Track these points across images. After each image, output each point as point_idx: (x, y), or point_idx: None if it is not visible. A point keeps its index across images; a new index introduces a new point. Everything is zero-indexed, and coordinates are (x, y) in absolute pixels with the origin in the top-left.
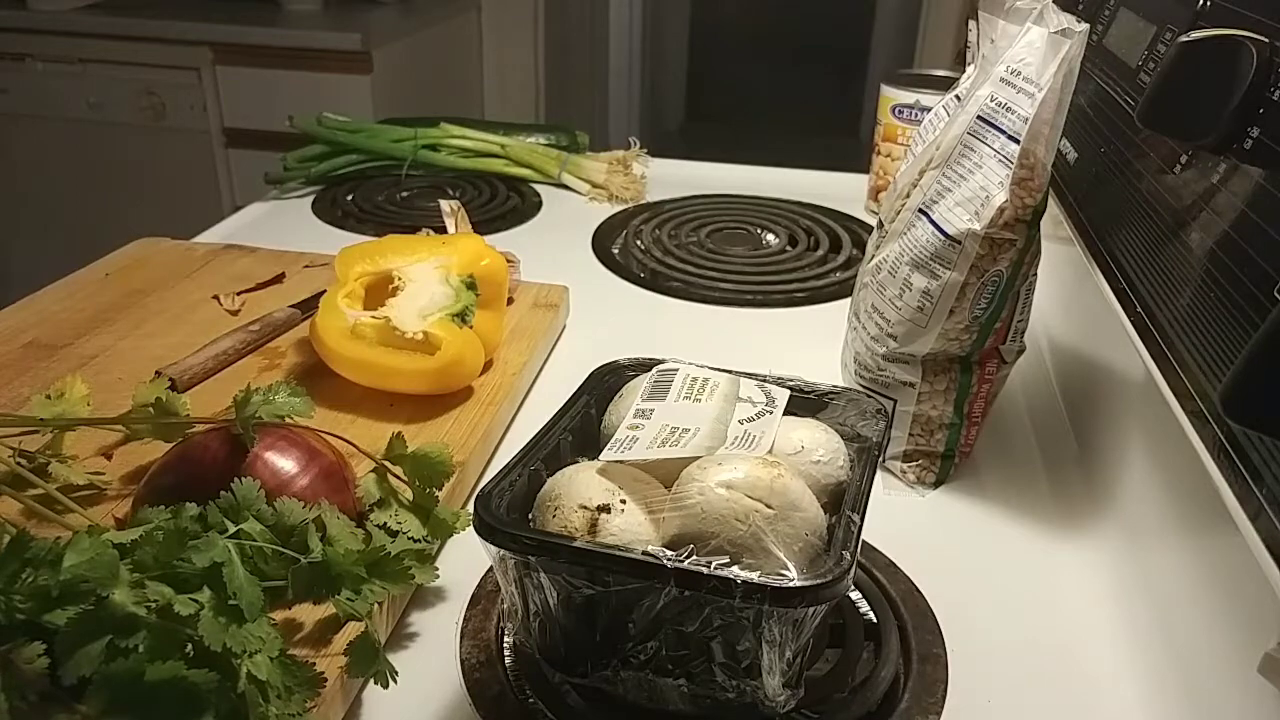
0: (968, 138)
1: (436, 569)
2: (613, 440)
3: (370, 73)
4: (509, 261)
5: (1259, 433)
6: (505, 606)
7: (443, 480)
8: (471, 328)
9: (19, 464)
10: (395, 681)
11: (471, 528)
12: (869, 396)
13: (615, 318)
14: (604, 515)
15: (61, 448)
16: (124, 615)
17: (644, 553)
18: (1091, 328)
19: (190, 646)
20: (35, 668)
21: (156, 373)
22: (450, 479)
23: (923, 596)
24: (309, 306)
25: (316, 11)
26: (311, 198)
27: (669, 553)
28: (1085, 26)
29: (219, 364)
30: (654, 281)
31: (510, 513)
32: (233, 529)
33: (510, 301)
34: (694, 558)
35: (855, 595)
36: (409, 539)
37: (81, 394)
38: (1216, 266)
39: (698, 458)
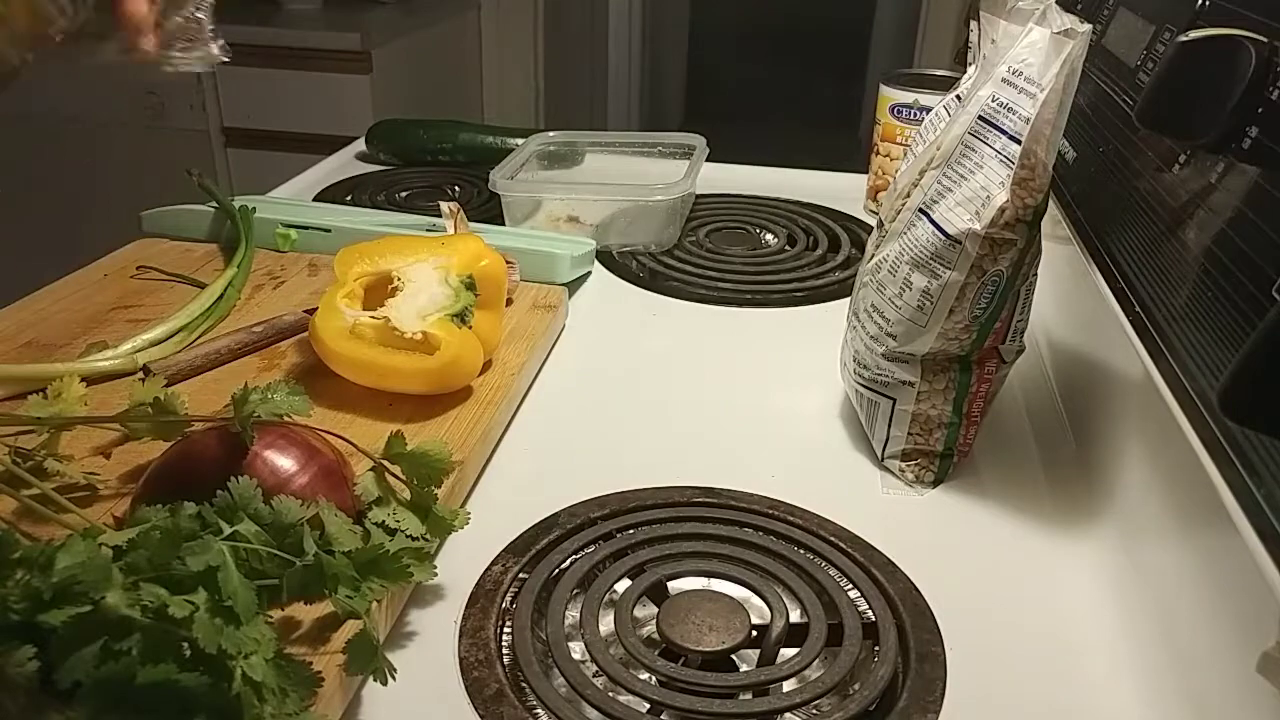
0: (969, 138)
1: (435, 567)
2: None
3: (369, 73)
4: (508, 263)
5: (1257, 432)
6: None
7: (441, 478)
8: (470, 328)
9: (15, 463)
10: (394, 679)
11: (469, 526)
12: None
13: (614, 317)
14: None
15: (58, 447)
16: (119, 618)
17: None
18: (1090, 327)
19: (186, 648)
20: (25, 671)
21: (143, 367)
22: (449, 477)
23: (921, 595)
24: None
25: (316, 11)
26: (309, 198)
27: None
28: (1088, 28)
29: (209, 362)
30: (652, 281)
31: None
32: (228, 530)
33: (509, 303)
34: None
35: (854, 594)
36: (407, 537)
37: (78, 393)
38: (1214, 265)
39: None
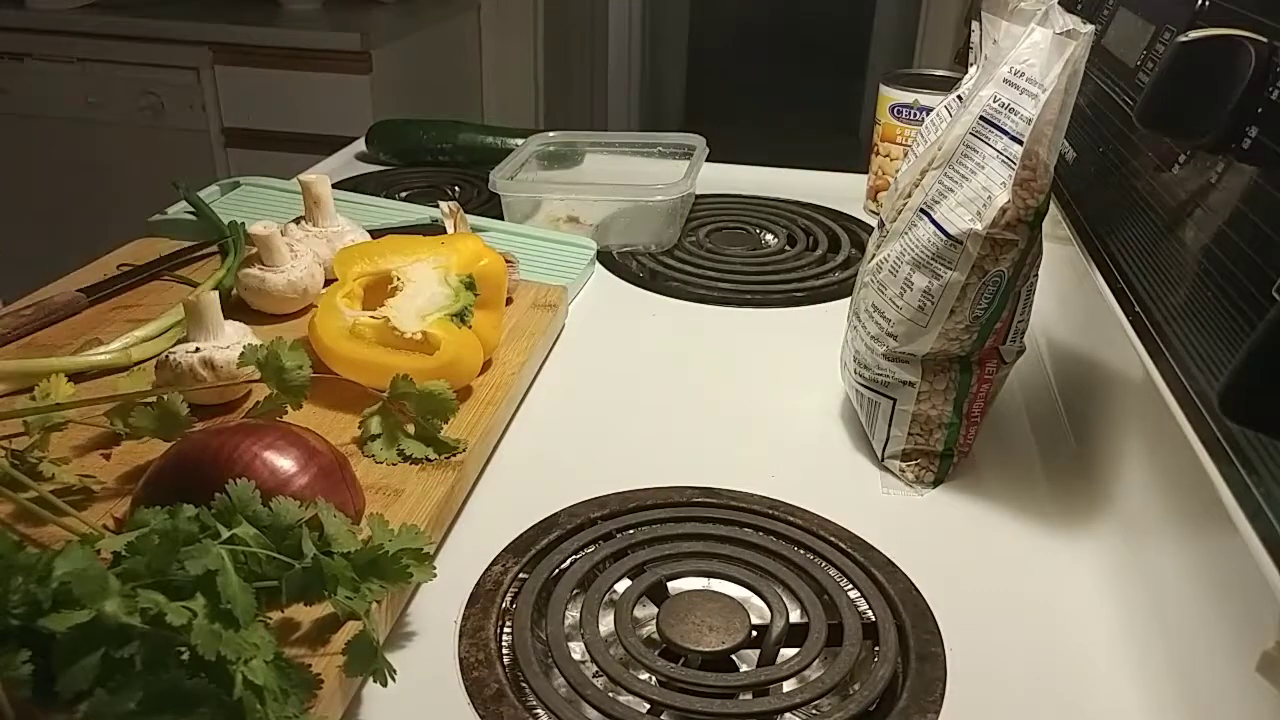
0: (970, 138)
1: (434, 567)
2: None
3: (369, 73)
4: (508, 262)
5: (1256, 431)
6: None
7: (447, 413)
8: (470, 328)
9: (14, 465)
10: (394, 680)
11: (469, 526)
12: None
13: (614, 317)
14: None
15: (48, 447)
16: (118, 626)
17: None
18: (1089, 327)
19: (186, 653)
20: (20, 674)
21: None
22: (454, 414)
23: (921, 595)
24: (96, 291)
25: (316, 11)
26: None
27: None
28: (1091, 28)
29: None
30: (653, 281)
31: None
32: (226, 534)
33: (509, 302)
34: None
35: (854, 594)
36: (409, 460)
37: (67, 393)
38: (1214, 265)
39: None
